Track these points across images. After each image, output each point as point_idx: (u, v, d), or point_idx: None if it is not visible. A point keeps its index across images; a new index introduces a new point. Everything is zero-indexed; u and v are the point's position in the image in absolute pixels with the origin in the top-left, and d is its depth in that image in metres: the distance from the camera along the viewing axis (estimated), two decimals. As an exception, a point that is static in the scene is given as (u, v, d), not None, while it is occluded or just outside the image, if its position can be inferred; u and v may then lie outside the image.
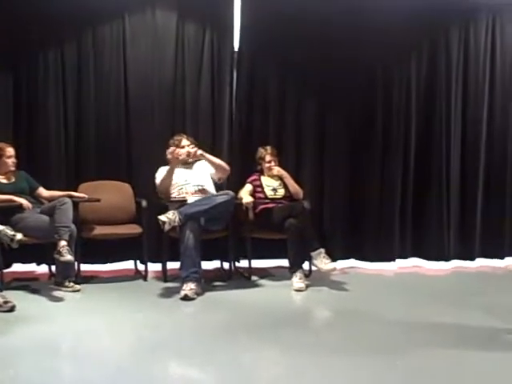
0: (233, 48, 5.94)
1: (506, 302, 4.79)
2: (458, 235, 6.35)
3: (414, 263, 6.29)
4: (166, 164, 5.42)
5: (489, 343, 3.80)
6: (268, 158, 5.71)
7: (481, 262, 6.38)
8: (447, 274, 6.04)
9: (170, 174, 5.22)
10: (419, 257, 6.33)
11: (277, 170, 5.70)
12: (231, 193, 5.15)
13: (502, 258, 6.43)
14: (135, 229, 5.33)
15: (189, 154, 5.34)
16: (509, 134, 6.43)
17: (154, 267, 5.52)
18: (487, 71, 6.33)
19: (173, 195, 5.28)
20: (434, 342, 3.80)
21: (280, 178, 5.73)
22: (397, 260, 6.22)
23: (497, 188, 6.42)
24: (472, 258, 6.37)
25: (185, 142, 5.44)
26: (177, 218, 4.83)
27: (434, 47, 6.24)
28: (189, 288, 4.73)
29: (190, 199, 5.17)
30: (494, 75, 6.36)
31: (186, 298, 4.69)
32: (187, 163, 5.45)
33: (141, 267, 5.50)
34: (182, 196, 5.27)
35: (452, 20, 6.25)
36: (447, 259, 6.29)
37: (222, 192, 5.25)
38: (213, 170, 5.50)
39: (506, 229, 6.44)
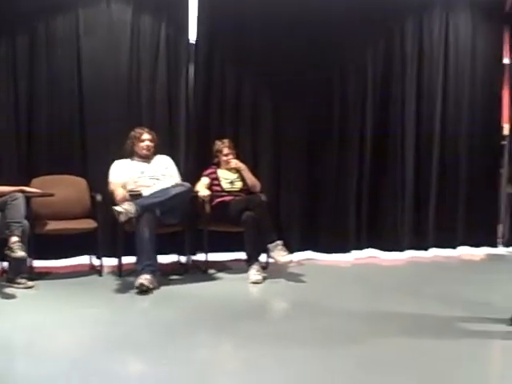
0: (189, 41, 5.89)
1: (459, 291, 4.89)
2: (412, 226, 6.46)
3: (369, 254, 6.36)
4: (121, 157, 5.37)
5: (443, 331, 3.87)
6: (225, 150, 5.69)
7: (434, 252, 6.50)
8: (402, 264, 6.13)
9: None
10: (375, 248, 6.41)
11: (234, 162, 5.69)
12: (187, 184, 5.13)
13: (454, 247, 6.56)
14: (90, 223, 5.25)
15: None
16: (462, 128, 6.55)
17: (110, 262, 5.45)
18: (440, 65, 6.45)
19: (128, 188, 5.19)
20: (390, 331, 3.86)
21: (237, 170, 5.71)
22: (353, 251, 6.28)
23: (449, 180, 6.55)
24: (426, 248, 6.48)
25: (146, 135, 5.40)
26: (133, 209, 4.78)
27: (390, 41, 6.32)
28: (144, 278, 4.68)
29: (146, 192, 5.12)
30: (447, 69, 6.48)
31: (141, 286, 4.61)
32: (146, 157, 5.40)
33: (96, 262, 5.43)
34: (137, 190, 5.20)
35: (406, 14, 6.34)
36: (402, 250, 6.39)
37: (177, 183, 5.22)
38: (171, 166, 5.49)
39: (459, 219, 6.57)
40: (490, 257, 6.50)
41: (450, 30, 6.46)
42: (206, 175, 5.66)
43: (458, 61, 6.51)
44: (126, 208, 4.77)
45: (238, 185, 5.67)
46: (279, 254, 5.12)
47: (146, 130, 5.45)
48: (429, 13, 6.41)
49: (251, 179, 5.68)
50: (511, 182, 3.93)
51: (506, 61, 6.72)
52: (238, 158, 5.74)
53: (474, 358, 3.46)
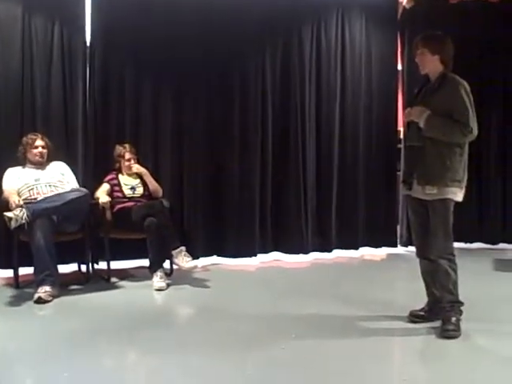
0: (85, 42, 5.72)
1: (360, 291, 5.01)
2: (315, 229, 6.56)
3: (274, 257, 6.40)
4: (15, 165, 5.15)
5: (344, 331, 3.95)
6: (127, 155, 5.57)
7: (337, 254, 6.63)
8: (306, 266, 6.20)
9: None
10: (280, 251, 6.45)
11: (136, 167, 5.58)
12: (84, 189, 4.99)
13: (356, 248, 6.71)
14: (-18, 234, 5.00)
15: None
16: (360, 131, 6.73)
17: (5, 274, 5.20)
18: (338, 68, 6.61)
19: (23, 197, 4.97)
20: (293, 334, 3.87)
21: (139, 176, 5.61)
22: (258, 255, 6.30)
23: (349, 183, 6.70)
24: (329, 250, 6.59)
25: (39, 142, 5.21)
26: (24, 215, 4.58)
27: (288, 45, 6.40)
28: (43, 291, 4.52)
29: (41, 198, 4.92)
30: (344, 74, 6.64)
31: (39, 300, 4.47)
32: (40, 164, 5.20)
33: (-10, 274, 5.17)
34: (33, 197, 4.99)
35: (304, 17, 6.45)
36: (306, 252, 6.47)
37: (74, 188, 5.06)
38: (67, 172, 5.35)
39: (359, 221, 6.74)
40: (390, 256, 6.69)
41: (346, 36, 6.63)
42: (107, 181, 5.51)
43: (354, 66, 6.69)
44: (16, 214, 4.57)
45: (140, 190, 5.56)
46: (183, 260, 5.07)
47: (40, 135, 5.25)
48: (326, 19, 6.55)
49: (153, 184, 5.59)
50: (405, 183, 4.05)
51: (399, 67, 6.97)
52: (138, 162, 5.64)
53: (374, 356, 3.54)
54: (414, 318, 4.09)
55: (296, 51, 6.42)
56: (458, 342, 3.73)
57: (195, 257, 5.51)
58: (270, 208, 6.38)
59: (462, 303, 3.90)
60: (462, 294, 3.89)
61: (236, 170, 6.23)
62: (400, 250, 6.84)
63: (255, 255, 6.28)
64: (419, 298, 4.14)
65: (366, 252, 6.75)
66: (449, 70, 3.90)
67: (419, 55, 3.92)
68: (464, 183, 3.87)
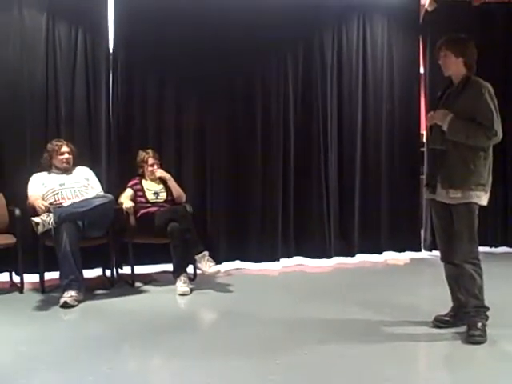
0: (108, 49, 5.77)
1: (384, 296, 4.97)
2: (338, 233, 6.54)
3: (297, 262, 6.39)
4: (39, 171, 5.22)
5: (367, 336, 3.93)
6: (150, 160, 5.60)
7: (361, 258, 6.60)
8: (329, 271, 6.18)
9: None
10: (302, 255, 6.44)
11: (160, 172, 5.61)
12: (110, 195, 5.03)
13: (380, 252, 6.68)
14: (9, 239, 5.05)
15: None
16: (382, 134, 6.70)
17: (31, 278, 5.25)
18: (360, 72, 6.58)
19: (48, 202, 5.03)
20: (316, 338, 3.88)
21: (162, 181, 5.65)
22: (281, 259, 6.29)
23: (372, 186, 6.66)
24: (352, 255, 6.57)
25: (65, 148, 5.26)
26: (51, 220, 4.65)
27: (309, 48, 6.39)
28: (69, 295, 4.58)
29: (67, 204, 4.98)
30: (366, 75, 6.61)
31: (65, 305, 4.52)
32: (66, 170, 5.26)
33: (16, 279, 5.20)
34: (58, 202, 5.05)
35: (325, 21, 6.45)
36: (329, 257, 6.45)
37: (100, 194, 5.11)
38: (92, 177, 5.39)
39: (383, 225, 6.70)
40: (414, 261, 6.65)
41: (368, 39, 6.61)
42: (130, 186, 5.56)
43: (375, 70, 6.66)
44: (43, 219, 4.64)
45: (163, 196, 5.59)
46: (206, 265, 5.09)
47: (65, 142, 5.31)
48: (347, 23, 6.53)
49: (177, 189, 5.62)
50: (428, 186, 4.03)
51: (421, 70, 6.93)
52: (161, 167, 5.67)
53: (398, 361, 3.52)
54: (439, 323, 4.06)
55: (317, 55, 6.41)
56: (483, 348, 3.69)
57: (218, 262, 5.52)
58: (293, 212, 6.37)
59: (487, 308, 3.85)
60: (488, 299, 3.85)
61: (259, 174, 6.24)
62: (424, 254, 6.79)
63: (278, 260, 6.28)
64: (444, 303, 4.11)
65: (390, 256, 6.70)
66: (472, 73, 3.87)
67: (443, 57, 3.91)
68: (489, 187, 3.83)
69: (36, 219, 4.66)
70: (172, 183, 5.62)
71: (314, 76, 6.39)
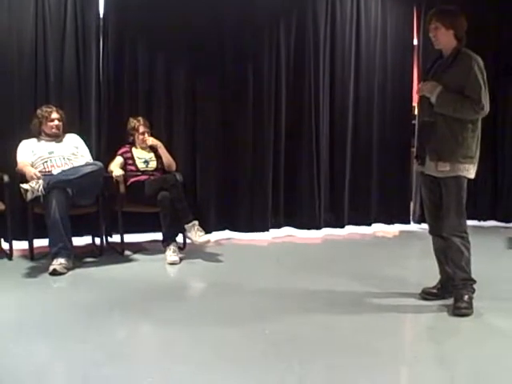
0: (98, 13, 5.67)
1: (372, 268, 5.02)
2: (327, 204, 6.55)
3: (287, 233, 6.41)
4: (28, 137, 5.17)
5: (355, 307, 3.97)
6: (141, 129, 5.54)
7: (350, 230, 6.63)
8: (318, 242, 6.21)
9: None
10: (292, 226, 6.46)
11: (151, 140, 5.58)
12: (99, 163, 4.99)
13: (369, 224, 6.71)
14: (-3, 205, 5.03)
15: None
16: (374, 105, 6.68)
17: (20, 245, 5.23)
18: (353, 43, 6.53)
19: (38, 169, 4.98)
20: (304, 309, 3.92)
21: (152, 149, 5.61)
22: (270, 230, 6.31)
23: (363, 158, 6.66)
24: (342, 226, 6.59)
25: (55, 114, 5.20)
26: (40, 187, 4.63)
27: (302, 19, 6.32)
28: (58, 263, 4.58)
29: (57, 172, 4.94)
30: (359, 46, 6.57)
31: (55, 272, 4.53)
32: (56, 136, 5.21)
33: (5, 246, 5.18)
34: (47, 170, 5.01)
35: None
36: (319, 228, 6.47)
37: (89, 162, 5.08)
38: (81, 145, 5.35)
39: (372, 197, 6.72)
40: (403, 233, 6.69)
41: (362, 10, 6.54)
42: (120, 154, 5.52)
43: (369, 41, 6.61)
44: (32, 186, 4.62)
45: (153, 164, 5.56)
46: (196, 234, 5.09)
47: (55, 108, 5.25)
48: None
49: (167, 157, 5.59)
50: (417, 158, 4.04)
51: (415, 42, 6.89)
52: (152, 136, 5.63)
53: (385, 332, 3.56)
54: (427, 295, 4.10)
55: (310, 26, 6.34)
56: (470, 320, 3.74)
57: (208, 231, 5.53)
58: (283, 183, 6.37)
59: (474, 281, 3.89)
60: (475, 272, 3.89)
61: (249, 145, 6.21)
62: (413, 226, 6.83)
63: (268, 230, 6.29)
64: (432, 276, 4.14)
65: (379, 228, 6.74)
66: (462, 46, 3.84)
67: (433, 30, 3.86)
68: (477, 159, 3.84)
69: (25, 186, 4.64)
70: (163, 151, 5.59)
71: (308, 46, 6.33)
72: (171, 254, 5.07)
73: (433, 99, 3.78)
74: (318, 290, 4.34)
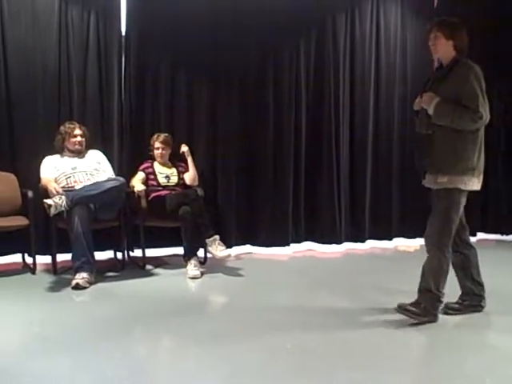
0: (120, 32, 5.77)
1: (393, 282, 4.96)
2: (348, 218, 6.54)
3: (307, 247, 6.40)
4: (52, 153, 5.24)
5: (375, 323, 3.91)
6: (157, 144, 5.63)
7: (371, 244, 6.60)
8: (339, 256, 6.19)
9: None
10: (313, 241, 6.46)
11: (186, 148, 5.70)
12: (121, 179, 5.05)
13: (390, 239, 6.68)
14: (22, 221, 5.08)
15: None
16: (394, 118, 6.68)
17: (44, 260, 5.30)
18: (373, 56, 6.57)
19: (61, 185, 5.06)
20: (325, 323, 3.89)
21: (173, 164, 5.70)
22: (291, 244, 6.31)
23: (383, 172, 6.67)
24: (363, 240, 6.57)
25: (77, 131, 5.28)
26: (63, 202, 4.68)
27: (322, 33, 6.37)
28: (81, 277, 4.63)
29: (79, 187, 5.00)
30: (379, 60, 6.60)
31: (77, 286, 4.57)
32: (78, 152, 5.28)
33: (29, 260, 5.25)
34: (70, 186, 5.08)
35: (338, 6, 6.41)
36: (339, 242, 6.45)
37: (111, 177, 5.14)
38: (104, 161, 5.42)
39: (393, 211, 6.70)
40: (424, 247, 6.60)
41: (381, 24, 6.58)
42: (142, 170, 5.58)
43: (389, 54, 6.64)
44: (56, 201, 4.67)
45: (174, 179, 5.62)
46: (217, 249, 5.11)
47: (77, 124, 5.33)
48: (360, 7, 6.51)
49: (194, 170, 5.68)
50: (418, 173, 3.98)
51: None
52: (172, 151, 5.71)
53: (407, 348, 3.54)
54: (449, 309, 4.06)
55: (330, 39, 6.39)
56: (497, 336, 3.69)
57: (229, 246, 5.55)
58: (304, 198, 6.38)
59: (441, 300, 3.88)
60: (496, 287, 3.83)
61: (269, 159, 6.25)
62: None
63: (288, 245, 6.29)
64: (454, 291, 4.10)
65: (400, 243, 6.71)
66: (462, 57, 3.78)
67: (433, 39, 3.83)
68: (479, 171, 3.77)
69: (48, 201, 4.70)
70: (192, 164, 5.69)
71: (327, 60, 6.38)
72: (192, 268, 5.09)
73: (430, 111, 3.72)
74: (339, 304, 4.32)
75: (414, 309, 3.85)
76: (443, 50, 3.82)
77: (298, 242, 6.40)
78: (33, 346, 3.44)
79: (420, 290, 3.90)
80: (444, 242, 3.79)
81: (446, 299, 3.98)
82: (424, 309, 3.85)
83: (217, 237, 5.14)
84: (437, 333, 3.80)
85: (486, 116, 3.68)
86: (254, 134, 6.20)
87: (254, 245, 6.25)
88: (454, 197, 3.74)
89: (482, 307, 4.05)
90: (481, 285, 4.09)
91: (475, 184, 3.78)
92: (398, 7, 6.65)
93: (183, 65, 5.94)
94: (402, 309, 3.91)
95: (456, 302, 4.09)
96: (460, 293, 4.10)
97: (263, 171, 6.24)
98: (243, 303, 4.39)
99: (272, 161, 6.25)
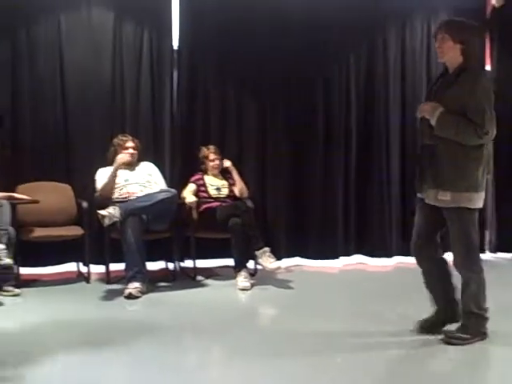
0: (172, 47, 5.88)
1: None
2: (399, 231, 6.46)
3: (357, 260, 6.36)
4: (105, 165, 5.36)
5: (427, 335, 3.82)
6: (212, 156, 5.69)
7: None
8: (390, 270, 6.13)
9: (112, 178, 5.16)
10: (363, 254, 6.41)
11: (229, 163, 5.73)
12: (173, 190, 5.14)
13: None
14: (76, 230, 5.22)
15: None
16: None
17: (97, 269, 5.40)
18: (424, 70, 6.47)
19: (114, 196, 5.18)
20: (377, 337, 3.83)
21: (224, 176, 5.75)
22: (341, 257, 6.28)
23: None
24: (414, 254, 6.48)
25: (130, 143, 5.39)
26: (117, 213, 4.78)
27: (372, 47, 6.35)
28: (134, 287, 4.71)
29: (132, 198, 5.11)
30: (430, 75, 6.48)
31: (130, 296, 4.65)
32: (130, 165, 5.39)
33: (83, 269, 5.38)
34: (123, 197, 5.18)
35: (389, 20, 6.38)
36: (390, 256, 6.39)
37: (163, 189, 5.21)
38: (155, 173, 5.50)
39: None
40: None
41: (432, 40, 6.47)
42: (193, 181, 5.65)
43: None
44: (110, 212, 4.77)
45: (225, 191, 5.67)
46: (267, 261, 5.12)
47: (130, 137, 5.44)
48: (411, 20, 6.45)
49: (241, 183, 5.71)
50: (417, 187, 3.79)
51: (488, 68, 6.78)
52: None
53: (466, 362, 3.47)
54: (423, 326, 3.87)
55: (381, 54, 6.36)
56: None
57: (278, 258, 5.54)
58: (354, 210, 6.34)
59: (486, 317, 3.66)
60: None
61: (319, 171, 6.24)
62: (488, 256, 6.63)
63: (338, 258, 6.26)
64: (506, 307, 3.99)
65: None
66: (470, 65, 3.51)
67: (439, 40, 3.54)
68: (482, 187, 3.53)
69: (102, 212, 4.80)
70: (236, 176, 5.73)
71: (378, 75, 6.34)
72: (242, 279, 5.11)
73: (433, 121, 3.47)
74: (391, 317, 4.26)
75: (461, 335, 3.63)
76: (450, 53, 3.53)
77: (348, 255, 6.36)
78: (86, 354, 3.49)
79: (464, 312, 3.68)
80: (473, 262, 3.61)
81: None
82: (472, 333, 3.63)
83: (267, 249, 5.16)
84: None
85: (492, 132, 3.42)
86: (303, 147, 6.20)
87: (303, 257, 6.24)
88: (465, 217, 3.50)
89: (457, 321, 3.78)
90: (452, 299, 3.85)
91: (480, 201, 3.53)
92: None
93: (234, 79, 6.02)
94: (448, 337, 3.66)
95: (429, 318, 3.88)
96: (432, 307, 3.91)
97: (312, 183, 6.24)
98: (294, 316, 4.36)
99: (322, 173, 6.24)
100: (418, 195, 3.75)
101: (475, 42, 3.62)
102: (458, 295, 3.73)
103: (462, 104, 3.42)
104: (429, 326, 3.82)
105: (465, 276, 3.61)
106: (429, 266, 3.83)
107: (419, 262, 3.87)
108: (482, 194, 3.55)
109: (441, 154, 3.48)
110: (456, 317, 3.77)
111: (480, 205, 3.55)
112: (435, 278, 3.82)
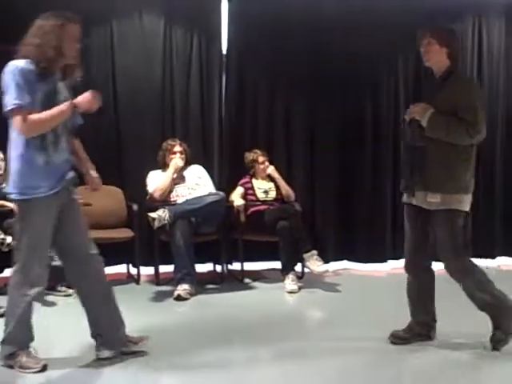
0: (221, 51, 5.96)
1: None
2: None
3: (406, 264, 6.28)
4: (156, 168, 5.45)
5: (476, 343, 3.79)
6: (261, 158, 5.72)
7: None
8: (438, 273, 6.01)
9: (169, 182, 5.26)
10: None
11: (271, 169, 5.73)
12: (222, 193, 5.20)
13: (493, 257, 6.44)
14: (127, 233, 5.33)
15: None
16: (496, 138, 6.38)
17: (147, 271, 5.51)
18: (474, 72, 6.36)
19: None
20: (423, 343, 3.76)
21: (272, 179, 5.76)
22: (389, 261, 6.23)
23: (486, 188, 6.38)
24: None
25: (177, 147, 5.46)
26: (167, 216, 4.87)
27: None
28: (182, 288, 4.78)
29: (181, 201, 5.19)
30: (481, 79, 6.37)
31: (179, 297, 4.72)
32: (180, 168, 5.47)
33: (133, 271, 5.48)
34: (172, 200, 5.27)
35: (438, 21, 6.27)
36: (438, 259, 6.28)
37: (211, 192, 5.28)
38: (204, 175, 5.56)
39: (497, 228, 6.45)
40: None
41: (484, 41, 6.38)
42: (241, 185, 5.70)
43: (491, 75, 6.41)
44: (159, 214, 4.86)
45: (272, 194, 5.70)
46: (314, 264, 5.12)
47: (178, 141, 5.51)
48: (461, 20, 6.34)
49: (285, 188, 5.71)
50: (406, 189, 3.69)
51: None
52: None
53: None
54: (395, 338, 3.79)
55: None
56: None
57: (326, 261, 5.53)
58: (403, 214, 6.26)
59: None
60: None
61: (367, 175, 6.21)
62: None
63: (386, 261, 6.22)
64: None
65: (504, 262, 6.46)
66: (455, 68, 3.58)
67: (425, 45, 3.56)
68: (470, 190, 3.54)
69: (152, 215, 4.89)
70: (281, 182, 5.72)
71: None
72: (290, 282, 5.13)
73: (424, 122, 3.47)
74: (438, 323, 4.21)
75: (501, 335, 3.58)
76: (436, 58, 3.55)
77: (396, 258, 6.29)
78: (138, 354, 3.54)
79: (486, 311, 3.62)
80: (466, 266, 3.59)
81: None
82: (506, 330, 3.58)
83: (314, 252, 5.16)
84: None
85: (484, 132, 3.44)
86: (351, 150, 6.18)
87: (351, 260, 6.22)
88: (454, 219, 3.48)
89: (431, 338, 3.75)
90: (432, 314, 3.82)
91: (467, 205, 3.53)
92: (501, 23, 6.40)
93: (282, 82, 6.05)
94: (495, 343, 3.60)
95: (403, 330, 3.81)
96: (409, 320, 3.83)
97: (361, 187, 6.22)
98: (342, 319, 4.35)
99: (371, 177, 6.22)
100: (404, 199, 3.73)
101: (458, 46, 3.71)
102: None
103: (454, 104, 3.44)
104: (400, 338, 3.77)
105: (458, 278, 3.61)
106: (419, 276, 3.81)
107: (409, 271, 3.85)
108: (470, 197, 3.57)
109: (431, 156, 3.47)
110: (430, 333, 3.78)
111: (468, 208, 3.56)
112: (422, 289, 3.81)
